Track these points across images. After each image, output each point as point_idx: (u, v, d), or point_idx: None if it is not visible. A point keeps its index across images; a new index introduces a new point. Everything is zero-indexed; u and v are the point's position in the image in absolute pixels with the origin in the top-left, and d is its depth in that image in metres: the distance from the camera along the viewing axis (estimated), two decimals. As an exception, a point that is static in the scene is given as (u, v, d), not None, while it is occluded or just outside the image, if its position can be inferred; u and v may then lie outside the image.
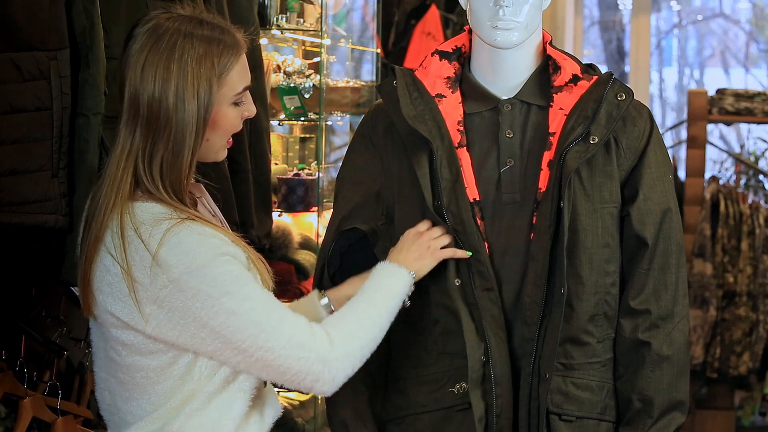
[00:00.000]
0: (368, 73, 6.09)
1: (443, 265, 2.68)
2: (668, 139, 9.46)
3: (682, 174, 7.25)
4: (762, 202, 6.74)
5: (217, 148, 2.51)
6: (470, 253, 2.67)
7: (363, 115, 2.96)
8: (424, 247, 2.67)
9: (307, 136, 5.15)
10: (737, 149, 9.52)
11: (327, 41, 4.83)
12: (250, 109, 2.53)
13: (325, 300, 2.70)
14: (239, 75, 2.47)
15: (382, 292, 2.58)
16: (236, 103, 2.49)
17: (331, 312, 2.67)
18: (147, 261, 2.33)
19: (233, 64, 2.45)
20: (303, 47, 5.24)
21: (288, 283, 4.58)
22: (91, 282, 2.40)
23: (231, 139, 2.54)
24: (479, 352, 2.66)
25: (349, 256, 2.84)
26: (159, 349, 2.39)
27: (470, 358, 2.65)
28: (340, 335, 2.44)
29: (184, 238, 2.34)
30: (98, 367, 2.51)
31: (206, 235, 2.37)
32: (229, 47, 2.45)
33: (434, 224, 2.68)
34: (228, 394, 2.44)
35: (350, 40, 5.84)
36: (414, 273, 2.64)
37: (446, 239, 2.69)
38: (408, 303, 2.64)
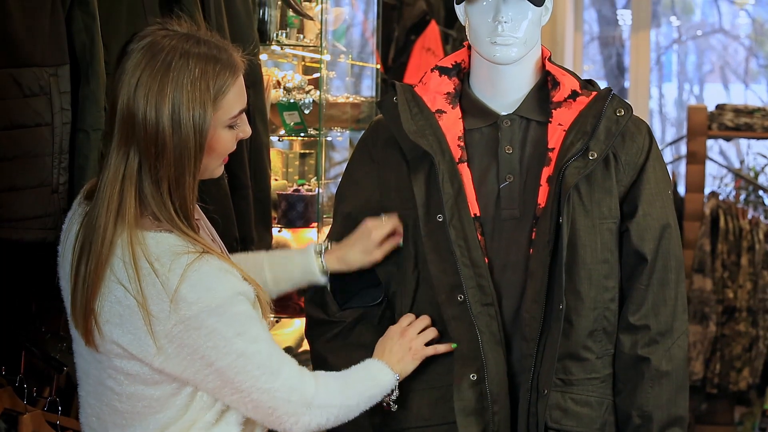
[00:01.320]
0: (368, 89, 6.09)
1: (445, 279, 2.68)
2: (668, 155, 9.47)
3: (681, 189, 7.25)
4: (762, 218, 6.74)
5: (212, 168, 2.49)
6: (455, 345, 2.70)
7: (363, 131, 2.96)
8: (405, 349, 2.70)
9: (307, 151, 5.14)
10: (737, 165, 9.53)
11: (327, 57, 4.83)
12: (245, 130, 2.50)
13: (322, 263, 2.80)
14: (236, 98, 2.44)
15: (370, 379, 2.64)
16: (231, 126, 2.46)
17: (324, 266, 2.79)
18: (165, 296, 2.31)
19: (230, 87, 2.41)
20: (303, 63, 5.24)
21: (288, 299, 4.57)
22: (95, 312, 2.36)
23: (227, 157, 2.53)
24: (468, 372, 2.66)
25: (352, 273, 2.85)
26: (164, 379, 2.39)
27: (456, 380, 2.67)
28: (325, 386, 2.50)
29: (204, 275, 2.33)
30: (86, 392, 2.49)
31: (224, 271, 2.36)
32: (226, 68, 2.41)
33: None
34: (225, 419, 2.46)
35: (350, 56, 5.84)
36: (398, 375, 2.68)
37: (431, 334, 2.72)
38: (395, 406, 2.70)
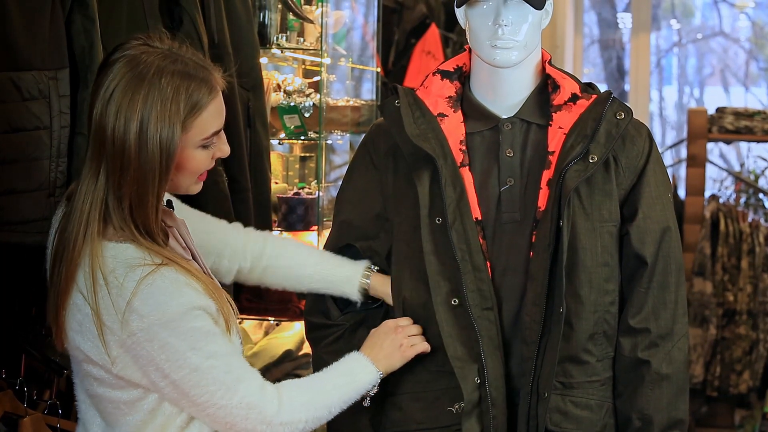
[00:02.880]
0: (368, 92, 6.08)
1: (443, 282, 2.68)
2: (668, 158, 9.47)
3: (682, 192, 7.25)
4: (762, 221, 6.74)
5: (186, 185, 2.48)
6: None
7: (363, 134, 2.96)
8: (396, 345, 2.69)
9: (307, 155, 5.14)
10: (737, 168, 9.53)
11: (327, 60, 4.83)
12: (223, 150, 2.48)
13: (366, 282, 2.82)
14: (210, 118, 2.41)
15: (349, 381, 2.61)
16: (205, 146, 2.44)
17: (367, 285, 2.80)
18: (117, 308, 2.32)
19: (204, 107, 2.38)
20: (303, 66, 5.24)
21: (288, 302, 4.57)
22: (61, 317, 2.39)
23: (205, 173, 2.51)
24: (472, 374, 2.66)
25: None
26: (127, 384, 2.40)
27: (462, 382, 2.65)
28: (290, 402, 2.47)
29: (157, 289, 2.32)
30: (75, 386, 2.52)
31: (180, 284, 2.35)
32: (201, 88, 2.38)
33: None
34: (195, 424, 2.46)
35: (350, 59, 5.84)
36: (382, 373, 2.66)
37: (422, 346, 2.72)
38: (368, 403, 2.68)
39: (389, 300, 2.81)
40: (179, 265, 2.38)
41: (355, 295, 2.84)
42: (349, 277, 2.83)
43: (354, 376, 2.62)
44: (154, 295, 2.32)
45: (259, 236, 2.90)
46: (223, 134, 2.48)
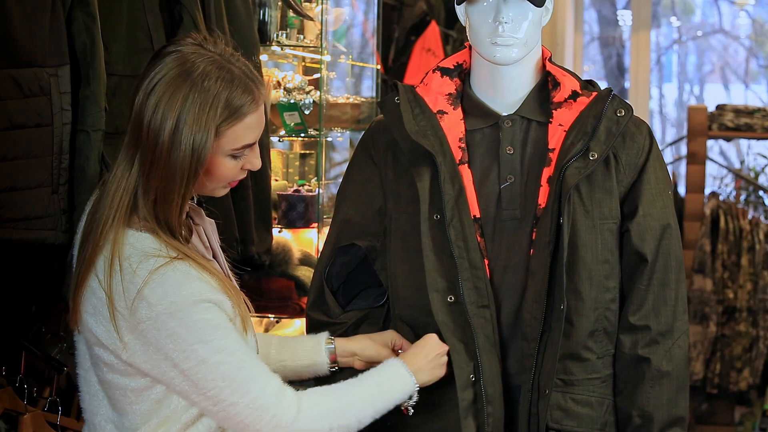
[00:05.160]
0: (368, 89, 6.08)
1: (439, 279, 2.68)
2: (668, 155, 9.48)
3: (682, 190, 7.26)
4: (762, 218, 6.74)
5: (212, 188, 2.49)
6: None
7: (363, 132, 2.96)
8: (438, 362, 2.64)
9: (308, 152, 5.14)
10: (737, 165, 9.53)
11: (327, 57, 4.83)
12: (254, 163, 2.48)
13: (331, 346, 2.75)
14: (245, 130, 2.41)
15: (382, 393, 2.56)
16: (235, 156, 2.44)
17: (333, 358, 2.73)
18: (128, 294, 2.33)
19: (240, 118, 2.39)
20: (303, 63, 5.24)
21: (288, 299, 4.57)
22: (78, 298, 2.41)
23: (236, 181, 2.51)
24: (467, 371, 2.65)
25: (355, 274, 2.85)
26: (136, 372, 2.39)
27: (457, 380, 2.65)
28: (312, 410, 2.43)
29: (167, 279, 2.33)
30: (84, 370, 2.50)
31: (191, 277, 2.35)
32: (241, 98, 2.39)
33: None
34: (203, 421, 2.44)
35: (350, 56, 5.84)
36: (418, 386, 2.60)
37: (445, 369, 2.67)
38: (411, 412, 2.63)
39: (361, 357, 2.77)
40: (195, 261, 2.39)
41: (324, 358, 2.77)
42: (314, 346, 2.77)
43: (391, 392, 2.57)
44: (163, 285, 2.32)
45: None
46: (256, 147, 2.47)
